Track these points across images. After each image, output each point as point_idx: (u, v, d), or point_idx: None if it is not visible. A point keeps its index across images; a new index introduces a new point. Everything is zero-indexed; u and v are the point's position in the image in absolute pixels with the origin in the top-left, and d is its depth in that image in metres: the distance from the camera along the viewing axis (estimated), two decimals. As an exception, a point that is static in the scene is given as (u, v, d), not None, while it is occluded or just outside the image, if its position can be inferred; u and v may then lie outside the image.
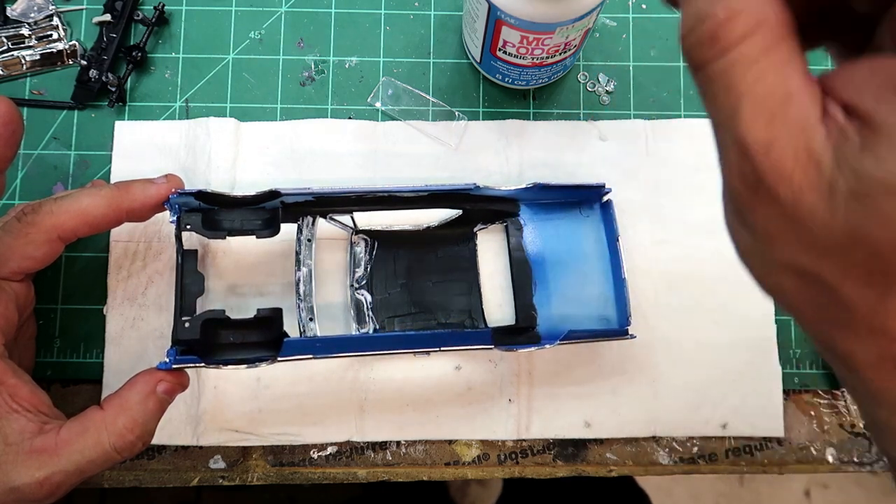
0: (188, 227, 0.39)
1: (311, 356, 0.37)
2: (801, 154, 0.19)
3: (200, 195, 0.38)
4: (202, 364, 0.36)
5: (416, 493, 0.85)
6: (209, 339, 0.38)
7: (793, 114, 0.19)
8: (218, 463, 0.43)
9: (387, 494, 0.80)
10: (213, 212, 0.40)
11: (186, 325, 0.37)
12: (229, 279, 0.44)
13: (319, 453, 0.43)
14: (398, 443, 0.44)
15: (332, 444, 0.43)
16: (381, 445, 0.43)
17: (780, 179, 0.19)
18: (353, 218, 0.42)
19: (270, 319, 0.39)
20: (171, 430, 0.42)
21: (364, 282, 0.43)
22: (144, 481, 0.43)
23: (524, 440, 0.44)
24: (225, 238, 0.40)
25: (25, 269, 0.36)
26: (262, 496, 0.75)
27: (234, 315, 0.39)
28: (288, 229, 0.41)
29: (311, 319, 0.40)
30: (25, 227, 0.35)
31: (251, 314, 0.39)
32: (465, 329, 0.43)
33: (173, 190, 0.38)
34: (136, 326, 0.43)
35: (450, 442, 0.44)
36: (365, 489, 0.81)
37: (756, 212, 0.21)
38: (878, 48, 0.21)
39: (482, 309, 0.44)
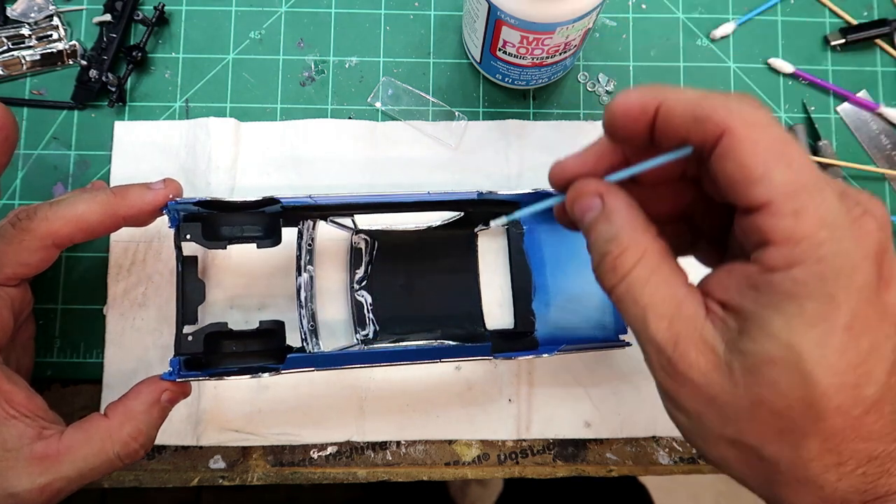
0: (188, 237, 0.38)
1: (312, 368, 0.37)
2: (700, 344, 0.25)
3: (199, 203, 0.38)
4: (207, 378, 0.36)
5: (416, 493, 0.85)
6: (212, 349, 0.38)
7: (685, 314, 0.26)
8: (218, 463, 0.43)
9: (387, 494, 0.80)
10: (212, 221, 0.39)
11: (189, 338, 0.37)
12: (231, 284, 0.43)
13: (319, 453, 0.43)
14: (398, 443, 0.44)
15: (332, 444, 0.43)
16: (381, 445, 0.43)
17: (689, 366, 0.25)
18: (353, 219, 0.42)
19: (273, 332, 0.39)
20: (171, 430, 0.42)
21: (364, 282, 0.43)
22: (144, 481, 0.43)
23: (524, 440, 0.44)
24: (225, 248, 0.39)
25: (20, 275, 0.36)
26: (262, 496, 0.75)
27: (235, 317, 0.39)
28: (288, 234, 0.40)
29: (312, 327, 0.39)
30: (20, 234, 0.35)
31: (252, 316, 0.39)
32: (464, 330, 0.43)
33: (171, 197, 0.37)
34: (136, 326, 0.43)
35: (450, 442, 0.44)
36: (365, 489, 0.81)
37: (681, 396, 0.26)
38: (732, 254, 0.28)
39: (481, 310, 0.44)
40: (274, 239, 0.39)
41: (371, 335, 0.42)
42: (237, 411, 0.42)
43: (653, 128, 0.27)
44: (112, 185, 0.44)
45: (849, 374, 0.24)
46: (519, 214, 0.35)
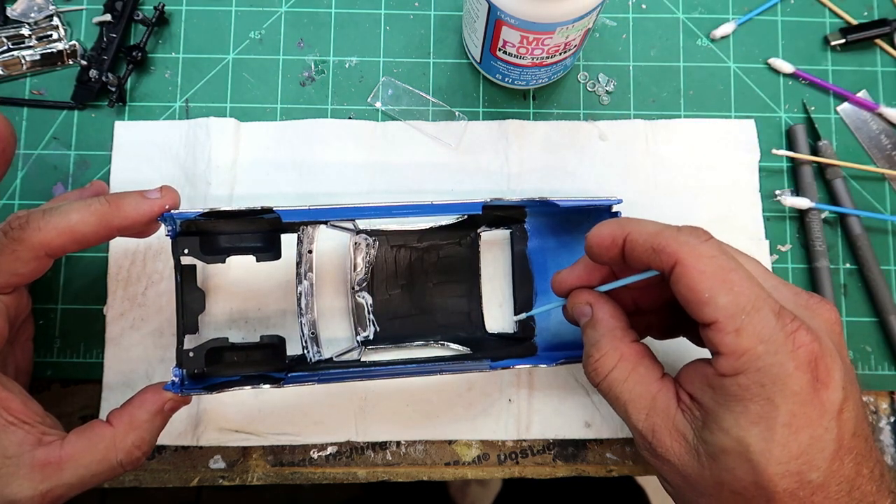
0: (185, 251, 0.37)
1: (314, 382, 0.37)
2: (673, 432, 0.31)
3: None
4: (209, 392, 0.36)
5: (416, 493, 0.85)
6: (213, 362, 0.38)
7: (659, 406, 0.32)
8: (218, 463, 0.43)
9: (387, 494, 0.80)
10: (210, 233, 0.38)
11: (191, 354, 0.37)
12: (230, 295, 0.43)
13: (319, 453, 0.43)
14: (398, 443, 0.44)
15: (332, 444, 0.43)
16: (381, 445, 0.43)
17: (666, 450, 0.31)
18: (353, 220, 0.42)
19: (274, 346, 0.39)
20: (172, 430, 0.42)
21: (364, 284, 0.43)
22: (144, 481, 0.43)
23: (524, 440, 0.44)
24: (224, 262, 0.38)
25: (13, 284, 0.36)
26: (262, 496, 0.75)
27: (235, 328, 0.38)
28: (288, 239, 0.40)
29: (312, 334, 0.39)
30: (12, 244, 0.34)
31: (253, 327, 0.38)
32: (464, 332, 0.43)
33: (167, 207, 0.36)
34: (136, 326, 0.43)
35: (450, 442, 0.44)
36: (365, 489, 0.81)
37: (663, 471, 0.32)
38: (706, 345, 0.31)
39: (482, 312, 0.44)
40: (274, 252, 0.39)
41: (371, 336, 0.42)
42: (237, 411, 0.42)
43: (623, 254, 0.32)
44: (112, 185, 0.44)
45: (791, 462, 0.28)
46: (534, 312, 0.40)
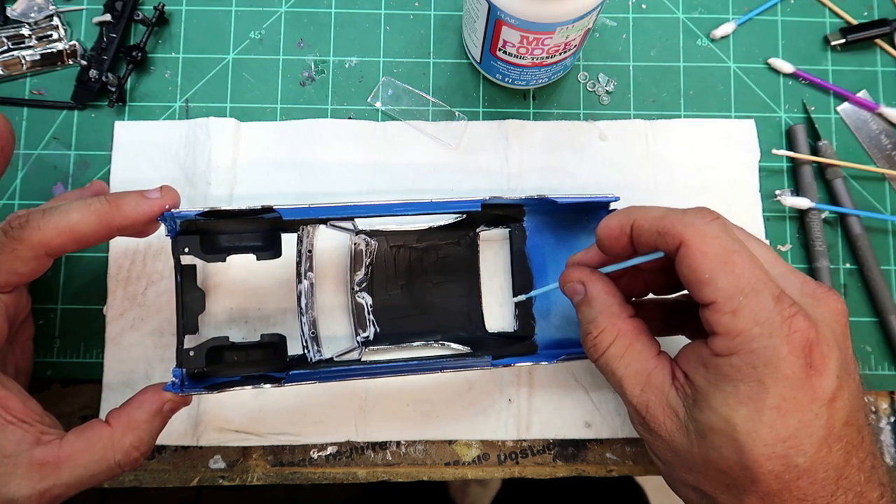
0: (186, 250, 0.37)
1: (315, 382, 0.37)
2: (666, 408, 0.32)
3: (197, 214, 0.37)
4: (210, 392, 0.36)
5: (416, 493, 0.85)
6: (213, 361, 0.38)
7: (654, 382, 0.32)
8: (218, 463, 0.43)
9: (387, 494, 0.80)
10: (210, 232, 0.38)
11: (191, 353, 0.37)
12: (231, 294, 0.43)
13: (319, 453, 0.43)
14: (398, 443, 0.44)
15: (332, 444, 0.43)
16: (381, 445, 0.43)
17: (658, 425, 0.32)
18: (353, 220, 0.42)
19: (275, 345, 0.39)
20: (171, 430, 0.42)
21: (364, 284, 0.43)
22: (144, 481, 0.43)
23: (524, 440, 0.44)
24: (224, 261, 0.38)
25: (13, 283, 0.36)
26: (262, 496, 0.75)
27: (236, 327, 0.38)
28: (288, 239, 0.40)
29: (313, 334, 0.39)
30: (11, 243, 0.34)
31: (253, 326, 0.38)
32: (464, 332, 0.43)
33: (167, 207, 0.36)
34: (136, 326, 0.43)
35: (450, 442, 0.44)
36: (365, 489, 0.81)
37: (655, 447, 0.33)
38: (705, 332, 0.31)
39: (482, 311, 0.44)
40: (274, 251, 0.39)
41: (371, 337, 0.42)
42: (237, 411, 0.42)
43: (633, 242, 0.33)
44: (112, 185, 0.44)
45: (778, 445, 0.28)
46: (534, 293, 0.41)
